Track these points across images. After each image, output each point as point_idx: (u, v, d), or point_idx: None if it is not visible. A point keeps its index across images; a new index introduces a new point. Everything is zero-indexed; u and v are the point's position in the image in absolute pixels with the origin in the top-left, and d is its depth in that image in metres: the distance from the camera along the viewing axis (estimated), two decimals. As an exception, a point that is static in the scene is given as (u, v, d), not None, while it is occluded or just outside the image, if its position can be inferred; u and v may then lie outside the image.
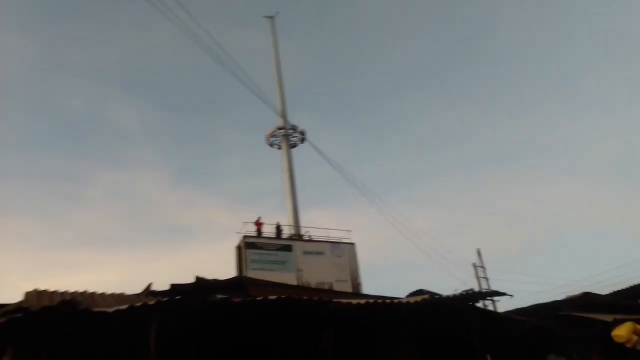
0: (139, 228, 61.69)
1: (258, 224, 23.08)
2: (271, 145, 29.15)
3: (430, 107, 64.53)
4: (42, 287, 7.73)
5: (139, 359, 5.79)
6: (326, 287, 20.77)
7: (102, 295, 8.10)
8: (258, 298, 6.89)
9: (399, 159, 63.22)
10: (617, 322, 9.48)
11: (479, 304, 11.54)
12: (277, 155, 29.02)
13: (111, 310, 5.83)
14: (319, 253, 22.99)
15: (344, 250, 23.73)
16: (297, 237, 24.24)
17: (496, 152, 60.71)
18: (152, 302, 6.17)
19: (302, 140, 28.28)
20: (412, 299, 8.33)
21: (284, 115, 28.30)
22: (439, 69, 64.77)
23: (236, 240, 22.24)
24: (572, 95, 59.64)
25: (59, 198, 58.85)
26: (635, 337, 8.89)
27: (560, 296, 12.48)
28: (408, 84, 65.47)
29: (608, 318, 9.99)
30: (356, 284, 22.92)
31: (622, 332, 8.92)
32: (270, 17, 32.70)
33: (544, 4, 61.28)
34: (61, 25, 62.62)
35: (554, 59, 60.03)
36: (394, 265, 59.86)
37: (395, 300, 8.24)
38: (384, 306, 8.00)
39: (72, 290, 7.87)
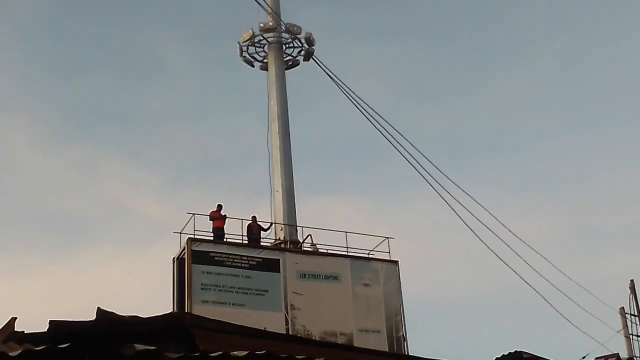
0: (-7, 219, 62.25)
1: (217, 217, 23.30)
2: (249, 62, 29.26)
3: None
4: None
5: None
6: (341, 341, 21.10)
7: None
8: (213, 354, 6.96)
9: (487, 105, 62.92)
10: None
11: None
12: (261, 91, 29.12)
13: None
14: (330, 277, 23.24)
15: (376, 274, 23.98)
16: (290, 245, 24.50)
17: None
18: (15, 353, 6.24)
19: (308, 55, 28.26)
20: (501, 369, 8.39)
21: (276, 9, 28.10)
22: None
23: (175, 246, 22.45)
24: None
25: None
26: None
27: None
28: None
29: None
30: (397, 338, 23.19)
31: None
32: None
33: None
34: None
35: None
36: (472, 309, 60.19)
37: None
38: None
39: None
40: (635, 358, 18.84)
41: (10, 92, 61.85)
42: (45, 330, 8.33)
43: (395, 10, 61.15)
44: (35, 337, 8.18)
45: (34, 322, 8.73)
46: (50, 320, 8.26)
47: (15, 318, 8.71)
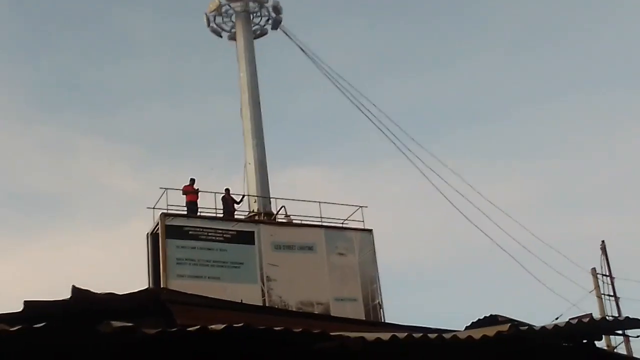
0: (-37, 197, 61.63)
1: (190, 192, 23.23)
2: (217, 32, 29.11)
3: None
4: None
5: None
6: (317, 310, 21.22)
7: None
8: (190, 328, 6.96)
9: (459, 71, 63.12)
10: None
11: (601, 343, 11.76)
12: (230, 62, 29.01)
13: None
14: (305, 248, 23.30)
15: (351, 243, 24.08)
16: (264, 217, 24.51)
17: None
18: (-11, 334, 6.18)
19: (276, 23, 28.19)
20: (476, 332, 8.47)
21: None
22: None
23: (149, 221, 22.37)
24: None
25: None
26: None
27: None
28: None
29: None
30: (373, 306, 23.38)
31: None
32: None
33: None
34: None
35: None
36: (446, 273, 60.89)
37: (448, 335, 8.38)
38: (425, 344, 8.15)
39: None
40: (607, 317, 19.12)
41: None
42: (20, 310, 8.29)
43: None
44: (10, 318, 8.13)
45: (8, 303, 8.69)
46: (25, 301, 8.23)
47: (-10, 299, 8.66)
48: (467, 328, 9.66)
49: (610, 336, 21.91)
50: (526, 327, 9.08)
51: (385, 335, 7.95)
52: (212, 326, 7.05)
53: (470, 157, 57.78)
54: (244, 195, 24.50)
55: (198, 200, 23.08)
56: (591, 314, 10.45)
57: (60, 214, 62.01)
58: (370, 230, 24.29)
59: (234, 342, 7.42)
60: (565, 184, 62.75)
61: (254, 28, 28.42)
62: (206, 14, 28.39)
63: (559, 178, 63.19)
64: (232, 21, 28.39)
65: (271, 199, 25.01)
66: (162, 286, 19.13)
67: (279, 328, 7.43)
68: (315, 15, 61.13)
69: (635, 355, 16.75)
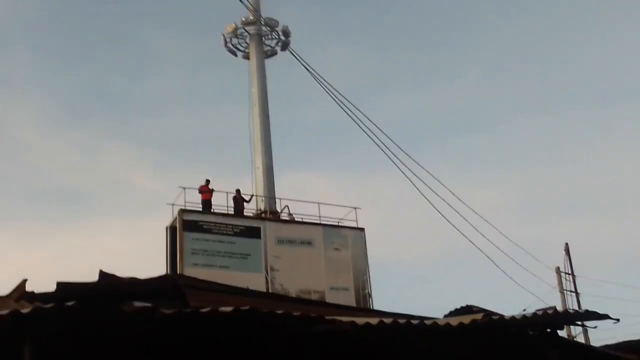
0: (3, 192, 61.70)
1: (205, 191, 23.19)
2: (233, 51, 29.12)
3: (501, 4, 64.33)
4: None
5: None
6: (314, 297, 21.13)
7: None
8: (203, 310, 6.95)
9: (444, 92, 63.44)
10: None
11: (563, 332, 11.76)
12: (243, 78, 28.94)
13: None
14: (305, 242, 23.26)
15: (345, 240, 24.03)
16: (270, 215, 24.43)
17: (602, 83, 61.97)
18: (26, 310, 6.19)
19: (285, 45, 28.12)
20: (454, 320, 8.47)
21: (256, 5, 27.93)
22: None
23: (168, 216, 22.35)
24: None
25: None
26: None
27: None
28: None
29: None
30: (363, 295, 23.33)
31: None
32: None
33: None
34: None
35: None
36: (428, 268, 61.06)
37: (427, 321, 8.37)
38: (408, 329, 8.13)
39: None
40: (569, 310, 19.11)
41: (19, 83, 61.39)
42: (54, 290, 8.27)
43: (366, 12, 62.04)
44: (44, 297, 8.12)
45: (43, 284, 8.68)
46: (57, 282, 8.20)
47: (26, 280, 8.64)
48: (445, 316, 9.63)
49: (571, 326, 21.84)
50: (497, 317, 9.08)
51: (374, 320, 7.95)
52: (222, 308, 7.04)
53: (453, 166, 57.92)
54: (252, 195, 24.46)
55: (212, 199, 23.05)
56: (555, 307, 10.42)
57: (89, 208, 62.18)
58: (362, 229, 24.28)
59: (241, 324, 7.41)
60: (536, 191, 63.34)
61: (265, 49, 28.45)
62: (223, 35, 28.54)
63: (530, 186, 64.18)
64: (247, 42, 28.48)
65: (276, 199, 24.98)
66: (178, 273, 19.09)
67: (280, 312, 7.43)
68: (320, 38, 61.81)
69: (592, 344, 16.71)
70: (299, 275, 22.35)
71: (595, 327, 13.69)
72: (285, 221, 23.95)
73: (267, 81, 27.65)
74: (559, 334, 10.57)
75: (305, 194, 47.12)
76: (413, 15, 66.09)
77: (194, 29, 62.28)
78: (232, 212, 23.11)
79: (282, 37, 28.15)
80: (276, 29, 28.19)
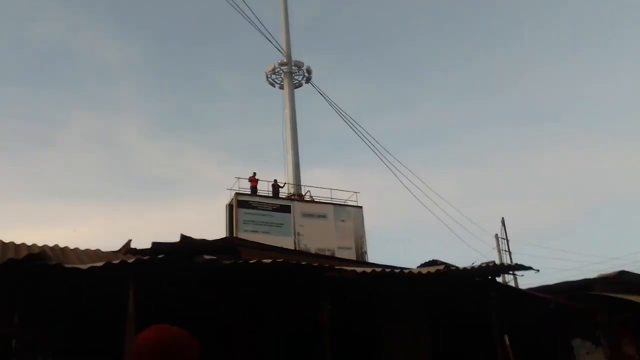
0: (117, 180, 62.67)
1: (253, 180, 23.18)
2: (272, 84, 29.20)
3: (459, 51, 63.77)
4: (5, 239, 7.79)
5: (115, 321, 5.90)
6: (327, 253, 21.05)
7: (75, 250, 8.20)
8: (251, 261, 6.95)
9: (419, 113, 63.38)
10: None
11: (499, 279, 11.69)
12: (279, 103, 29.01)
13: (85, 267, 5.86)
14: (321, 216, 23.20)
15: (349, 214, 23.93)
16: (297, 197, 24.37)
17: (537, 108, 61.51)
18: (131, 261, 6.20)
19: (308, 80, 28.19)
20: (424, 270, 8.41)
21: (288, 52, 28.18)
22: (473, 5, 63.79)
23: (227, 197, 22.45)
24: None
25: (26, 140, 59.34)
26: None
27: (592, 274, 12.58)
28: (437, 23, 64.48)
29: (644, 300, 10.10)
30: (361, 252, 23.26)
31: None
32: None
33: None
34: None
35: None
36: (406, 234, 61.31)
37: (405, 270, 8.33)
38: (392, 276, 8.10)
39: (40, 244, 7.94)
40: (504, 263, 18.98)
41: (126, 107, 62.04)
42: (149, 247, 8.31)
43: (366, 55, 61.89)
44: (142, 252, 8.16)
45: (141, 243, 8.77)
46: (152, 242, 8.25)
47: (131, 240, 8.72)
48: (418, 267, 9.60)
49: (506, 275, 21.69)
50: (454, 268, 9.03)
51: (368, 269, 7.93)
52: (264, 260, 7.05)
53: (424, 165, 58.23)
54: (285, 183, 24.49)
55: (257, 186, 23.10)
56: (494, 261, 10.35)
57: (174, 192, 63.44)
58: (361, 207, 24.24)
59: (277, 271, 7.43)
60: (482, 183, 63.54)
61: (294, 82, 28.41)
62: (265, 73, 28.66)
63: (478, 179, 63.83)
64: (281, 78, 28.47)
65: (301, 186, 25.01)
66: (234, 236, 19.17)
67: (304, 262, 7.43)
68: (332, 75, 62.05)
69: (520, 287, 16.57)
70: (317, 238, 22.37)
71: (522, 276, 13.65)
72: (307, 201, 23.93)
73: (296, 105, 27.69)
74: (497, 280, 10.50)
75: (322, 182, 47.38)
76: (405, 57, 65.94)
77: (245, 69, 62.95)
78: (271, 195, 23.16)
79: (306, 74, 28.22)
80: (302, 68, 28.26)
